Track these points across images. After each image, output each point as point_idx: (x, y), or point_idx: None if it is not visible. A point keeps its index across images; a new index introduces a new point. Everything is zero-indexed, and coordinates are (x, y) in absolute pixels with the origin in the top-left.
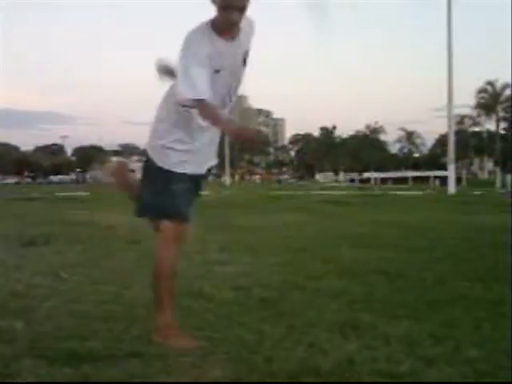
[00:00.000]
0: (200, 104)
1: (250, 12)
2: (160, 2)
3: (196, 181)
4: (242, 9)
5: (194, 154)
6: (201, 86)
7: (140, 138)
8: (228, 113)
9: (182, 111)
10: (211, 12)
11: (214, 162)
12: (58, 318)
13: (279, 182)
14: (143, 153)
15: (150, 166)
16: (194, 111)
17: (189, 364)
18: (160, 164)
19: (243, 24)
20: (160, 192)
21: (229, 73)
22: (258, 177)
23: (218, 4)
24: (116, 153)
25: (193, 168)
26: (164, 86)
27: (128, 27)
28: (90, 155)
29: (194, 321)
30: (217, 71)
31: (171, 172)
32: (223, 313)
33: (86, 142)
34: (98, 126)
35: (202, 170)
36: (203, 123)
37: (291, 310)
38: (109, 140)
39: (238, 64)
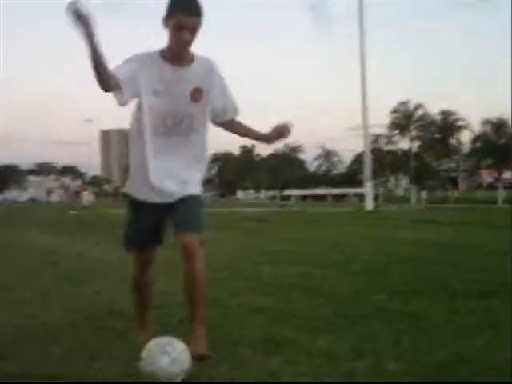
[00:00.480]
0: None
1: None
2: None
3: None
4: (194, 30)
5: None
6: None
7: (58, 156)
8: (181, 144)
9: (135, 140)
10: None
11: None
12: None
13: None
14: (59, 172)
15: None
16: (147, 141)
17: None
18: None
19: (200, 62)
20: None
21: (170, 99)
22: None
23: (171, 26)
24: (32, 172)
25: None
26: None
27: None
28: (5, 175)
29: (115, 342)
30: (155, 93)
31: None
32: None
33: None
34: (12, 145)
35: (163, 199)
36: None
37: (213, 328)
38: (25, 159)
39: (183, 95)
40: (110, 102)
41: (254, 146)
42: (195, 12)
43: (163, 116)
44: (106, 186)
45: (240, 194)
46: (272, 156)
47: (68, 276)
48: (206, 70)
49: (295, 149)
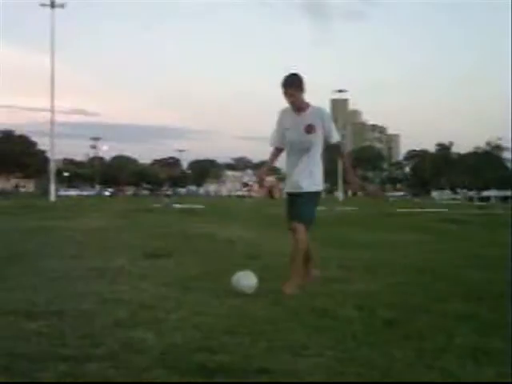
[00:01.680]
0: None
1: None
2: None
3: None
4: (292, 95)
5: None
6: (272, 139)
7: (252, 152)
8: (308, 158)
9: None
10: None
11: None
12: (186, 330)
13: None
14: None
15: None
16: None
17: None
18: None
19: (313, 109)
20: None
21: (294, 132)
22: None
23: None
24: (229, 166)
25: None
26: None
27: (243, 37)
28: (204, 168)
29: (320, 339)
30: (286, 129)
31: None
32: (349, 332)
33: (201, 156)
34: (211, 140)
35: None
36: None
37: (419, 333)
38: (222, 153)
39: (301, 130)
40: None
41: (451, 142)
42: (288, 84)
43: (292, 142)
44: None
45: (434, 193)
46: (472, 154)
47: (269, 271)
48: (317, 114)
49: (498, 146)
